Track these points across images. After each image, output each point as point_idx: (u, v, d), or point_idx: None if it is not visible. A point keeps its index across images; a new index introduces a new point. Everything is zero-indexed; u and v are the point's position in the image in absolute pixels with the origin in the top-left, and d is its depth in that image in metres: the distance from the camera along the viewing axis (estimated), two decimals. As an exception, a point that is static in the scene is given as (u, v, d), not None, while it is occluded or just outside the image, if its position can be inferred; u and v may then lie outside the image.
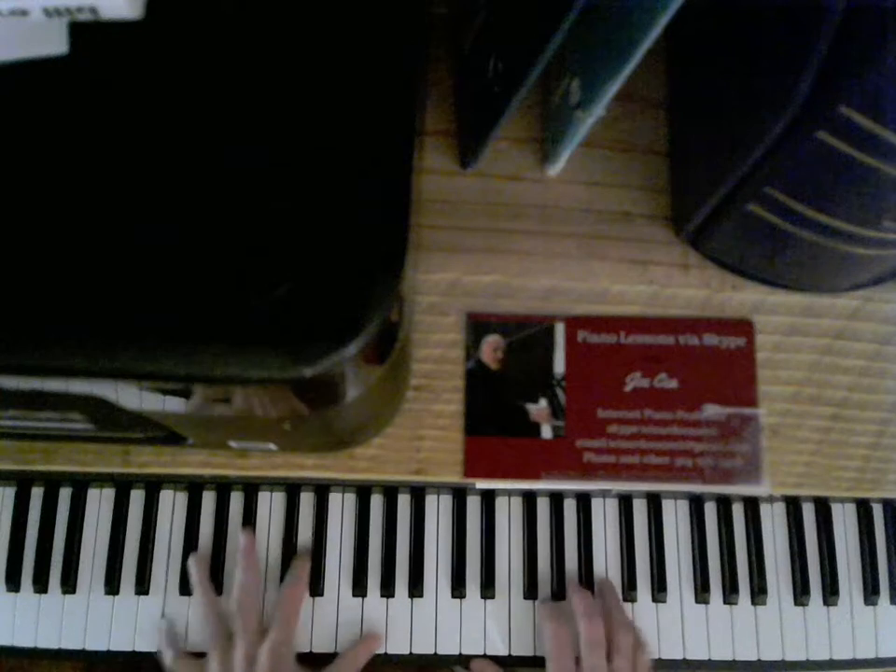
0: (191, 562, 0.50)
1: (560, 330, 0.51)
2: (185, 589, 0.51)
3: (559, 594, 0.51)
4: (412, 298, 0.44)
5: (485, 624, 0.51)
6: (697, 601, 0.51)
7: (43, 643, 0.50)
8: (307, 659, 0.49)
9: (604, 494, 0.53)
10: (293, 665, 0.47)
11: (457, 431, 0.50)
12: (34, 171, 0.28)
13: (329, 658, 0.49)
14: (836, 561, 0.52)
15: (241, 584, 0.49)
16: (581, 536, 0.52)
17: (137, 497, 0.53)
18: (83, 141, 0.28)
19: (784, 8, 0.35)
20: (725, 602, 0.51)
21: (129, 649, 0.50)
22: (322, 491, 0.53)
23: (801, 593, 0.51)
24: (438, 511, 0.52)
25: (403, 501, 0.53)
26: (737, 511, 0.53)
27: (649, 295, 0.52)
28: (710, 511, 0.53)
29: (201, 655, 0.49)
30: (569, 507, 0.53)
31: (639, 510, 0.53)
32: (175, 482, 0.52)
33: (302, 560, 0.50)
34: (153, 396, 0.31)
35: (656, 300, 0.52)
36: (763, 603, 0.51)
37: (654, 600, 0.51)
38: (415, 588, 0.51)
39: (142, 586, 0.51)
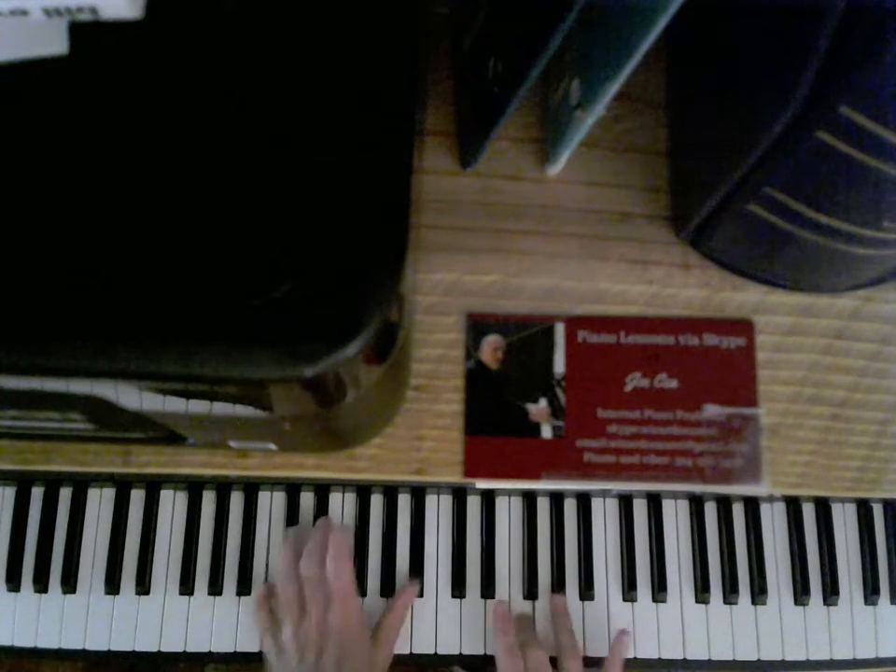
0: (290, 531, 0.50)
1: (560, 330, 0.51)
2: (185, 589, 0.51)
3: (559, 592, 0.51)
4: (412, 298, 0.44)
5: (485, 625, 0.51)
6: (697, 601, 0.51)
7: (43, 643, 0.50)
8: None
9: (604, 494, 0.53)
10: (362, 634, 0.47)
11: (457, 431, 0.50)
12: (34, 171, 0.28)
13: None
14: (836, 561, 0.52)
15: (315, 553, 0.48)
16: (581, 536, 0.52)
17: (137, 497, 0.53)
18: (83, 141, 0.28)
19: (784, 8, 0.35)
20: (725, 602, 0.51)
21: (129, 649, 0.50)
22: (322, 491, 0.53)
23: (801, 593, 0.51)
24: (438, 510, 0.52)
25: (403, 501, 0.53)
26: (737, 511, 0.53)
27: (649, 295, 0.52)
28: (710, 511, 0.53)
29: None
30: (569, 507, 0.53)
31: (639, 510, 0.53)
32: (174, 482, 0.52)
33: (342, 532, 0.50)
34: (153, 396, 0.31)
35: (656, 300, 0.52)
36: (764, 603, 0.51)
37: (654, 600, 0.51)
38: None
39: (142, 586, 0.51)
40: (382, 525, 0.52)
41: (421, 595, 0.51)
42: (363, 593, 0.51)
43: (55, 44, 0.26)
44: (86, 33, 0.26)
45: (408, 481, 0.51)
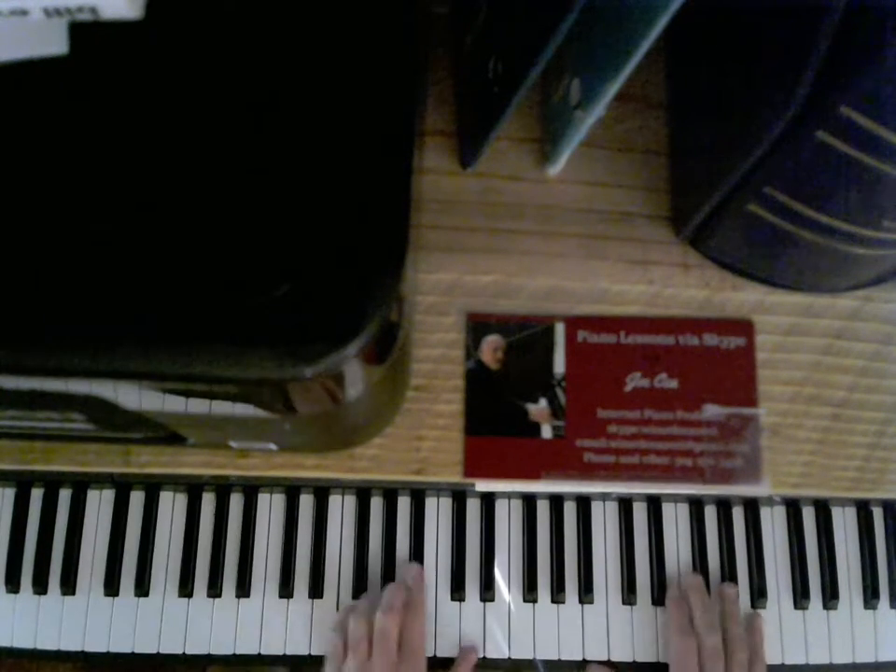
0: (414, 571, 0.50)
1: (560, 330, 0.51)
2: (184, 591, 0.51)
3: (559, 596, 0.51)
4: (412, 298, 0.44)
5: (485, 626, 0.51)
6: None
7: (43, 644, 0.50)
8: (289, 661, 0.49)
9: (604, 497, 0.52)
10: None
11: (457, 431, 0.50)
12: (34, 171, 0.28)
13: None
14: (836, 564, 0.52)
15: (393, 603, 0.47)
16: (580, 539, 0.52)
17: (137, 499, 0.52)
18: (83, 141, 0.28)
19: (784, 8, 0.35)
20: (726, 603, 0.51)
21: (128, 650, 0.50)
22: (322, 493, 0.52)
23: (801, 596, 0.51)
24: (437, 513, 0.52)
25: (403, 504, 0.52)
26: (737, 515, 0.53)
27: (649, 295, 0.52)
28: (710, 514, 0.53)
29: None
30: (569, 510, 0.53)
31: (639, 513, 0.53)
32: (175, 483, 0.52)
33: (417, 583, 0.50)
34: (153, 396, 0.31)
35: (656, 300, 0.52)
36: (763, 606, 0.51)
37: (654, 603, 0.51)
38: (415, 589, 0.51)
39: (141, 587, 0.51)
40: (381, 528, 0.52)
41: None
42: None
43: (55, 44, 0.26)
44: (86, 33, 0.26)
45: (408, 481, 0.51)
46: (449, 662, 0.50)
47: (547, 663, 0.50)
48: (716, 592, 0.51)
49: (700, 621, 0.48)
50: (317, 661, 0.49)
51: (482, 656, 0.50)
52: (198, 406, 0.33)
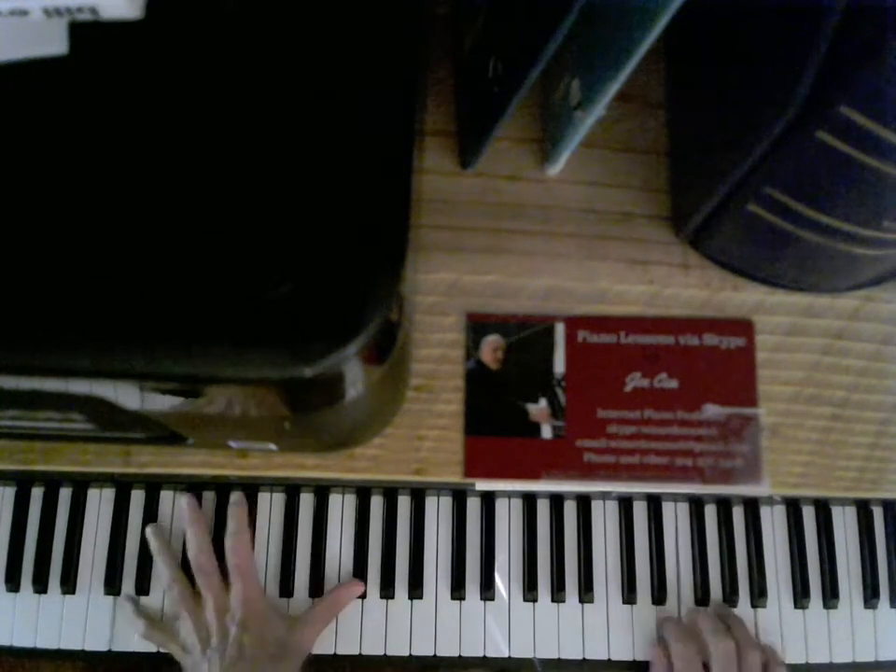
0: (149, 531, 0.51)
1: (560, 330, 0.51)
2: (185, 589, 0.51)
3: (559, 595, 0.51)
4: (412, 298, 0.44)
5: (485, 626, 0.51)
6: (697, 604, 0.51)
7: (43, 643, 0.50)
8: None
9: (604, 496, 0.52)
10: (265, 609, 0.48)
11: (457, 431, 0.50)
12: (34, 171, 0.28)
13: (328, 660, 0.49)
14: (836, 564, 0.52)
15: (193, 543, 0.49)
16: (580, 538, 0.52)
17: (137, 498, 0.52)
18: (83, 141, 0.28)
19: (784, 8, 0.35)
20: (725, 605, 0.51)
21: (129, 649, 0.50)
22: (322, 492, 0.53)
23: (801, 595, 0.51)
24: (438, 512, 0.52)
25: (403, 503, 0.52)
26: (737, 514, 0.53)
27: (649, 295, 0.52)
28: (710, 513, 0.53)
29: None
30: (569, 509, 0.53)
31: (639, 512, 0.53)
32: (175, 482, 0.52)
33: (237, 507, 0.51)
34: (153, 396, 0.31)
35: (656, 300, 0.52)
36: (763, 606, 0.51)
37: (654, 602, 0.51)
38: (415, 590, 0.51)
39: (142, 587, 0.51)
40: (382, 527, 0.52)
41: (420, 598, 0.51)
42: (363, 594, 0.51)
43: (55, 44, 0.26)
44: (86, 33, 0.26)
45: (408, 481, 0.51)
46: (449, 661, 0.50)
47: (547, 662, 0.50)
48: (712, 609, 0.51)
49: (709, 631, 0.48)
50: (317, 660, 0.49)
51: (481, 655, 0.50)
52: (198, 406, 0.33)
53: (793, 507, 0.53)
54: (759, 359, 0.51)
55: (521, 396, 0.50)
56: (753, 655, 0.47)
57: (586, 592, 0.51)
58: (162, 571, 0.50)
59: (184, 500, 0.51)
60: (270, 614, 0.48)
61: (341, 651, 0.50)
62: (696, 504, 0.53)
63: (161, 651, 0.49)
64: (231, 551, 0.49)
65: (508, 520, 0.52)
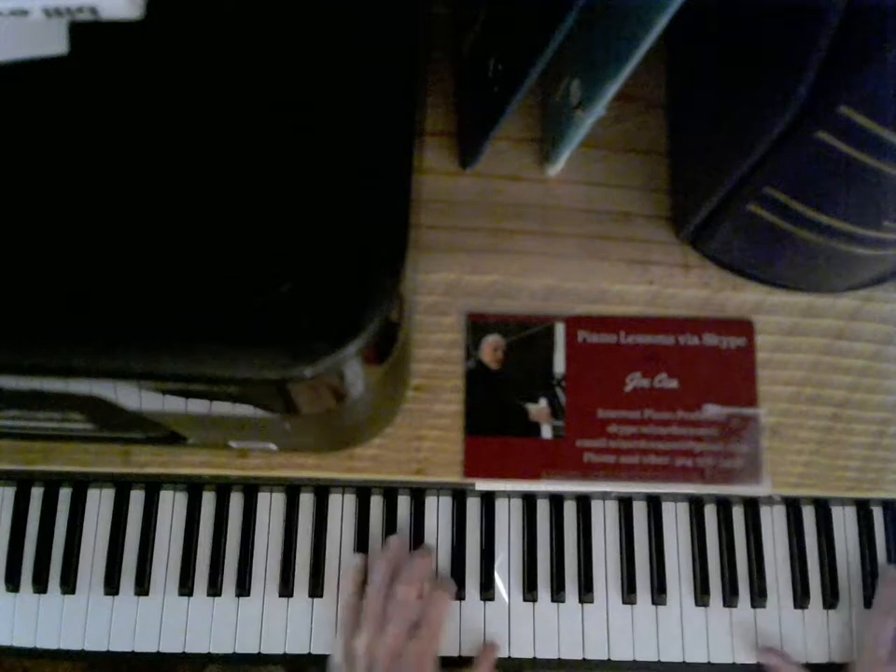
0: (389, 543, 0.50)
1: (560, 330, 0.51)
2: (184, 590, 0.51)
3: (559, 595, 0.51)
4: (412, 298, 0.44)
5: (485, 626, 0.51)
6: (697, 604, 0.51)
7: (42, 643, 0.50)
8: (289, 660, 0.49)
9: (604, 496, 0.52)
10: (434, 669, 0.47)
11: (457, 431, 0.50)
12: (34, 171, 0.28)
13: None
14: (836, 564, 0.52)
15: (409, 574, 0.48)
16: (580, 538, 0.52)
17: (137, 497, 0.53)
18: (83, 141, 0.28)
19: (784, 8, 0.35)
20: (725, 605, 0.51)
21: (128, 649, 0.50)
22: (322, 492, 0.53)
23: (801, 596, 0.51)
24: (437, 512, 0.52)
25: (403, 503, 0.52)
26: (737, 514, 0.53)
27: (649, 295, 0.52)
28: (710, 513, 0.53)
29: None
30: (569, 509, 0.53)
31: (639, 512, 0.53)
32: (174, 482, 0.52)
33: (450, 582, 0.50)
34: (153, 396, 0.31)
35: (656, 300, 0.52)
36: (763, 606, 0.51)
37: (654, 603, 0.51)
38: (415, 589, 0.51)
39: (141, 587, 0.51)
40: (382, 528, 0.52)
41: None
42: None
43: (55, 44, 0.26)
44: (86, 33, 0.26)
45: (408, 481, 0.51)
46: (448, 661, 0.50)
47: (547, 662, 0.50)
48: None
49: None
50: (317, 660, 0.49)
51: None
52: (198, 406, 0.33)
53: (793, 507, 0.53)
54: (759, 359, 0.51)
55: (521, 396, 0.50)
56: None
57: (586, 592, 0.51)
58: (376, 580, 0.48)
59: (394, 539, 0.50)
60: None
61: (341, 651, 0.50)
62: (696, 504, 0.53)
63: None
64: (432, 604, 0.48)
65: (508, 520, 0.52)
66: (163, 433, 0.41)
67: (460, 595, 0.51)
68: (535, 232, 0.52)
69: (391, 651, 0.46)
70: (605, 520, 0.52)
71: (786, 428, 0.51)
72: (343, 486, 0.52)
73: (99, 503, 0.52)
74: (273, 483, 0.52)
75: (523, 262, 0.52)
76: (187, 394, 0.31)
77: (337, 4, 0.30)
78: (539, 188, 0.53)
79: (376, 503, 0.52)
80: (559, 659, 0.50)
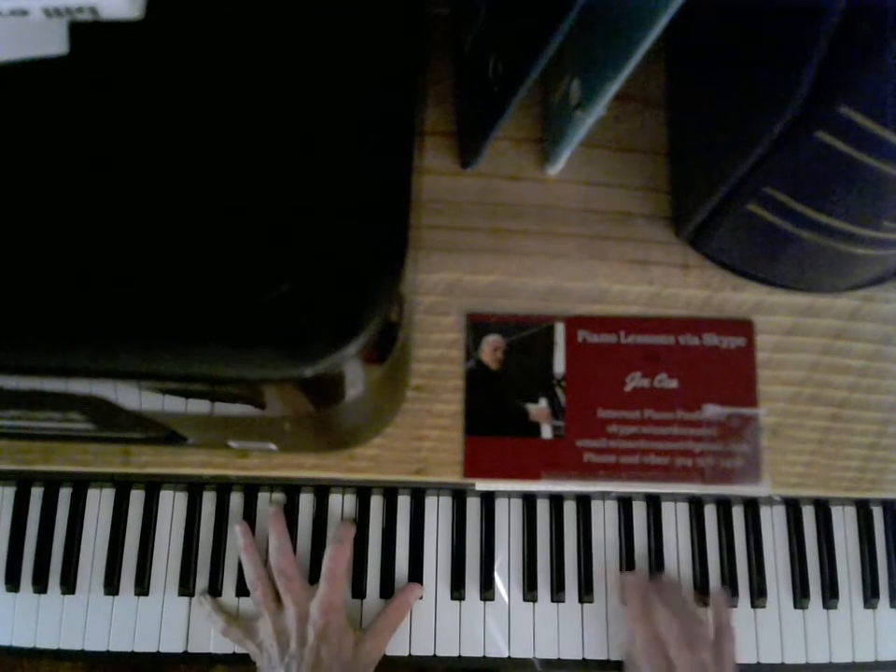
0: (239, 529, 0.51)
1: (560, 330, 0.51)
2: (184, 590, 0.51)
3: (559, 595, 0.51)
4: (412, 298, 0.44)
5: (485, 626, 0.51)
6: (697, 604, 0.51)
7: (42, 643, 0.51)
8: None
9: (604, 496, 0.52)
10: (344, 620, 0.48)
11: (457, 431, 0.50)
12: (33, 171, 0.28)
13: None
14: (836, 564, 0.52)
15: (276, 548, 0.50)
16: (580, 538, 0.52)
17: (137, 497, 0.53)
18: (83, 141, 0.28)
19: (784, 8, 0.35)
20: (725, 603, 0.51)
21: (128, 649, 0.50)
22: (322, 492, 0.53)
23: (800, 595, 0.51)
24: (437, 512, 0.52)
25: (403, 503, 0.53)
26: (737, 514, 0.53)
27: (649, 295, 0.52)
28: (710, 513, 0.53)
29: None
30: (569, 509, 0.53)
31: (639, 512, 0.53)
32: (174, 482, 0.52)
33: (347, 524, 0.51)
34: (153, 396, 0.31)
35: (656, 300, 0.52)
36: (763, 606, 0.51)
37: (654, 601, 0.51)
38: (415, 589, 0.51)
39: (141, 586, 0.51)
40: (381, 527, 0.52)
41: (420, 597, 0.51)
42: (362, 594, 0.51)
43: (55, 44, 0.26)
44: (86, 33, 0.26)
45: (408, 481, 0.51)
46: (448, 661, 0.50)
47: (547, 662, 0.50)
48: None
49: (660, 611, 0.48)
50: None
51: (481, 655, 0.50)
52: (198, 406, 0.33)
53: (793, 507, 0.53)
54: (759, 359, 0.51)
55: (521, 396, 0.50)
56: (701, 629, 0.47)
57: (586, 592, 0.51)
58: (247, 570, 0.50)
59: (271, 508, 0.52)
60: (347, 625, 0.48)
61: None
62: (696, 504, 0.53)
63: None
64: (330, 557, 0.49)
65: (508, 520, 0.52)
66: (163, 433, 0.41)
67: (460, 595, 0.51)
68: (535, 232, 0.52)
69: (297, 620, 0.47)
70: (605, 520, 0.52)
71: (786, 428, 0.51)
72: (343, 486, 0.53)
73: (99, 503, 0.53)
74: (273, 483, 0.52)
75: (523, 262, 0.52)
76: (187, 394, 0.31)
77: (337, 5, 0.30)
78: (539, 187, 0.53)
79: (376, 503, 0.52)
80: (559, 659, 0.50)
